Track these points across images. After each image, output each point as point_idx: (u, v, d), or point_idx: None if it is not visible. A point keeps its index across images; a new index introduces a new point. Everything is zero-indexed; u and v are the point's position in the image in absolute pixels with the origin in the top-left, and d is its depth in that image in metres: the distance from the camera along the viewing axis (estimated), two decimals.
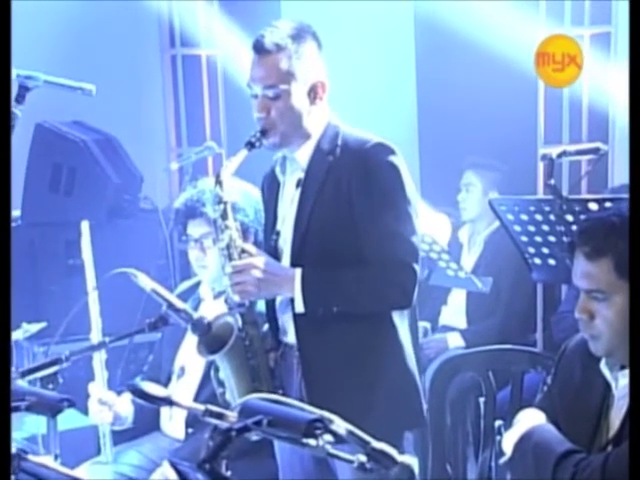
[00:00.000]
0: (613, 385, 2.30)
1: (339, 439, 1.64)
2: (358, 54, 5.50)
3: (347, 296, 2.66)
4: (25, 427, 3.44)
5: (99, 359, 3.10)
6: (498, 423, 2.72)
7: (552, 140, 5.41)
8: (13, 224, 4.64)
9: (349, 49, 5.29)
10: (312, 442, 1.61)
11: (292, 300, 2.68)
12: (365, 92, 5.47)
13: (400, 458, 1.66)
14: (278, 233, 2.80)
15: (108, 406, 3.12)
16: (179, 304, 2.74)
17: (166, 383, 3.27)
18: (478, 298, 4.43)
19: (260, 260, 2.68)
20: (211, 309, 3.13)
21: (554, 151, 3.22)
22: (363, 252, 2.65)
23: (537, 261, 3.42)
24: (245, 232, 2.93)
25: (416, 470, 1.68)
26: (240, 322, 2.72)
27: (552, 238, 3.29)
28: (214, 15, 6.20)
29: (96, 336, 3.07)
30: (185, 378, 3.27)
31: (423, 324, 4.55)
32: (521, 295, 4.42)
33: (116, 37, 5.92)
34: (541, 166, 3.77)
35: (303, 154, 2.75)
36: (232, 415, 1.74)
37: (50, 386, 2.45)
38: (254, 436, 1.65)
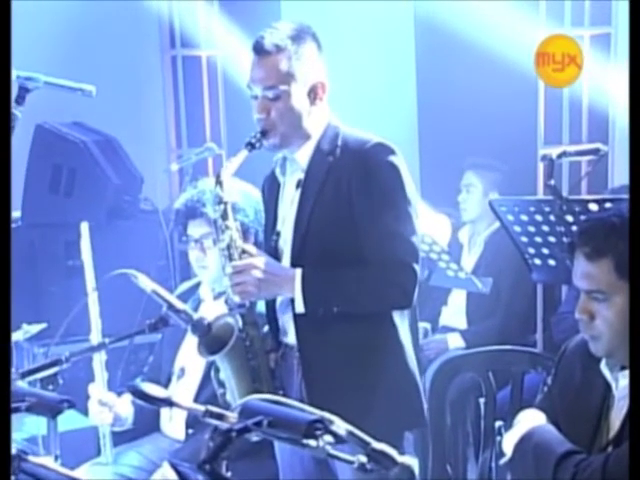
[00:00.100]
0: (613, 386, 2.30)
1: (339, 440, 1.64)
2: (358, 54, 5.50)
3: (347, 296, 2.66)
4: (25, 428, 3.44)
5: (99, 360, 3.10)
6: (498, 424, 2.73)
7: (552, 141, 5.41)
8: (13, 225, 4.64)
9: (349, 49, 5.30)
10: (312, 443, 1.61)
11: (292, 300, 2.68)
12: (365, 92, 5.47)
13: (400, 459, 1.66)
14: (278, 234, 2.80)
15: (108, 407, 3.12)
16: (179, 305, 2.74)
17: (166, 384, 3.27)
18: (478, 299, 4.43)
19: (260, 260, 2.68)
20: (211, 310, 3.13)
21: (554, 152, 3.23)
22: (363, 252, 2.65)
23: (537, 262, 3.42)
24: (245, 232, 2.93)
25: (416, 471, 1.68)
26: (240, 323, 2.72)
27: (552, 239, 3.29)
28: (214, 16, 6.20)
29: (96, 337, 3.07)
30: (185, 379, 3.27)
31: (423, 325, 4.55)
32: (521, 296, 4.41)
33: (116, 38, 5.93)
34: (541, 167, 3.77)
35: (303, 155, 2.75)
36: (232, 416, 1.74)
37: (50, 387, 2.44)
38: (254, 437, 1.65)
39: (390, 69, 5.79)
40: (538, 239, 3.35)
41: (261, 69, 2.68)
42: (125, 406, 3.19)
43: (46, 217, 4.85)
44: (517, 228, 3.39)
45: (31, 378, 2.45)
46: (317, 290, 2.65)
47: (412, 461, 1.67)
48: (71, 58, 5.32)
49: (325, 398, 2.51)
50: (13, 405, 1.92)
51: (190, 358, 3.21)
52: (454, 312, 4.73)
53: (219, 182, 2.70)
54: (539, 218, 3.29)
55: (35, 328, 4.04)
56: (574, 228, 3.10)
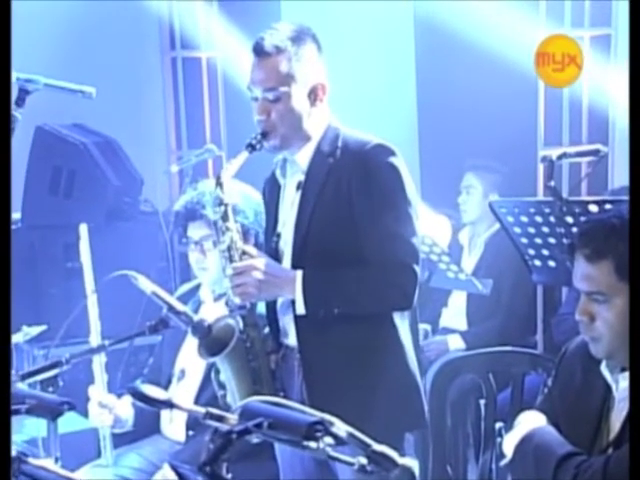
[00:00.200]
0: (614, 387, 2.30)
1: (340, 441, 1.64)
2: (358, 55, 5.50)
3: (348, 297, 2.66)
4: (25, 430, 3.44)
5: (99, 362, 3.10)
6: (499, 425, 2.73)
7: (552, 142, 5.41)
8: (13, 226, 4.64)
9: (349, 50, 5.30)
10: (313, 445, 1.60)
11: (293, 302, 2.68)
12: (365, 93, 5.47)
13: (401, 460, 1.65)
14: (279, 235, 2.80)
15: (108, 409, 3.12)
16: (179, 307, 2.74)
17: (166, 386, 3.27)
18: (478, 300, 4.43)
19: (261, 262, 2.68)
20: (211, 311, 3.13)
21: (554, 153, 3.22)
22: (363, 253, 2.65)
23: (537, 263, 3.42)
24: (245, 234, 2.92)
25: (417, 472, 1.67)
26: (241, 324, 2.72)
27: (552, 240, 3.29)
28: (214, 17, 6.20)
29: (95, 339, 3.06)
30: (185, 381, 3.27)
31: (423, 326, 4.55)
32: (521, 297, 4.41)
33: (116, 39, 5.93)
34: (541, 168, 3.77)
35: (303, 156, 2.75)
36: (233, 418, 1.74)
37: (50, 389, 2.44)
38: (255, 439, 1.65)
39: (390, 70, 5.79)
40: (538, 240, 3.34)
41: (261, 71, 2.68)
42: (125, 408, 3.19)
43: (46, 219, 4.85)
44: (517, 229, 3.39)
45: (31, 380, 2.44)
46: (318, 291, 2.65)
47: (412, 463, 1.67)
48: (71, 60, 5.33)
49: (326, 399, 2.51)
50: (13, 407, 1.92)
51: (190, 360, 3.21)
52: (454, 313, 4.73)
53: (219, 184, 2.70)
54: (539, 219, 3.28)
55: (35, 330, 4.04)
56: (574, 229, 3.10)
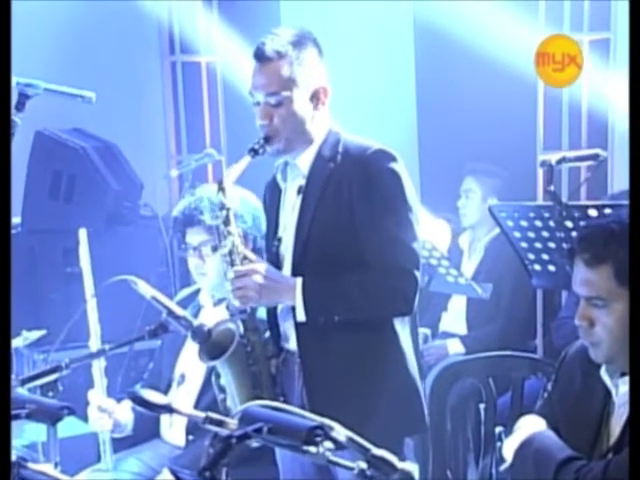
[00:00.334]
0: (613, 392, 2.30)
1: (339, 446, 1.64)
2: (358, 59, 5.51)
3: (348, 304, 2.66)
4: (25, 435, 3.43)
5: (98, 366, 3.09)
6: (498, 429, 2.73)
7: (551, 146, 5.40)
8: (13, 231, 4.64)
9: (348, 54, 5.30)
10: (312, 449, 1.61)
11: (293, 308, 2.68)
12: (365, 97, 5.47)
13: (400, 465, 1.65)
14: (280, 240, 2.80)
15: (108, 413, 3.12)
16: (179, 311, 2.74)
17: (166, 390, 3.27)
18: (478, 304, 4.43)
19: (262, 267, 2.69)
20: (211, 316, 3.13)
21: (553, 157, 3.22)
22: (364, 258, 2.66)
23: (537, 267, 3.41)
24: (243, 239, 2.93)
25: (416, 477, 1.67)
26: (242, 329, 2.72)
27: (552, 244, 3.29)
28: (214, 22, 6.20)
29: (95, 344, 3.06)
30: (185, 385, 3.27)
31: (423, 330, 4.55)
32: (521, 301, 4.42)
33: (116, 44, 5.92)
34: (540, 172, 3.77)
35: (304, 160, 2.76)
36: (232, 422, 1.74)
37: (50, 394, 2.44)
38: (254, 443, 1.65)
39: (389, 73, 5.80)
40: (538, 245, 3.34)
41: (263, 76, 2.68)
42: (125, 412, 3.18)
43: (46, 223, 4.85)
44: (517, 234, 3.39)
45: (31, 385, 2.44)
46: (318, 299, 2.66)
47: (412, 467, 1.67)
48: (71, 64, 5.32)
49: (326, 404, 2.51)
50: (13, 412, 1.92)
51: (190, 364, 3.21)
52: (454, 318, 4.73)
53: (221, 188, 2.70)
54: (539, 224, 3.28)
55: (35, 334, 4.04)
56: (574, 234, 3.10)
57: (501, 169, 4.81)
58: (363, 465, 1.65)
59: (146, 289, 2.77)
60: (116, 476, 3.14)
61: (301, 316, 2.66)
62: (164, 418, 3.28)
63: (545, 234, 3.29)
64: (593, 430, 2.30)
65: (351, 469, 1.65)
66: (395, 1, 5.69)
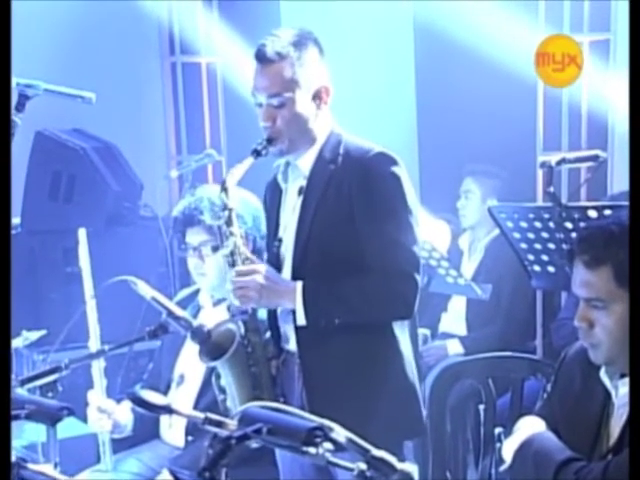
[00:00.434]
0: (613, 393, 2.30)
1: (339, 447, 1.64)
2: (357, 59, 5.50)
3: (349, 308, 2.66)
4: (25, 435, 3.44)
5: (98, 367, 3.09)
6: (498, 430, 2.73)
7: (551, 147, 5.41)
8: (13, 231, 4.64)
9: (348, 55, 5.29)
10: (312, 450, 1.61)
11: (293, 311, 2.68)
12: (364, 98, 5.47)
13: (400, 466, 1.65)
14: (280, 240, 2.81)
15: (107, 414, 3.12)
16: (179, 312, 2.74)
17: (165, 391, 3.27)
18: (478, 305, 4.43)
19: (263, 267, 2.69)
20: (211, 317, 3.13)
21: (553, 158, 3.22)
22: (364, 261, 2.66)
23: (536, 268, 3.41)
24: (244, 239, 2.93)
25: (416, 478, 1.67)
26: (242, 329, 2.72)
27: (551, 245, 3.29)
28: (214, 22, 6.20)
29: (94, 344, 3.06)
30: (185, 386, 3.27)
31: (423, 331, 4.54)
32: (521, 302, 4.41)
33: (116, 44, 5.93)
34: (540, 173, 3.77)
35: (305, 162, 2.76)
36: (232, 423, 1.74)
37: (50, 394, 2.44)
38: (254, 444, 1.65)
39: (389, 73, 5.79)
40: (537, 246, 3.34)
41: (264, 77, 2.68)
42: (124, 413, 3.18)
43: (46, 224, 4.85)
44: (516, 235, 3.39)
45: (31, 385, 2.45)
46: (318, 303, 2.66)
47: (412, 468, 1.67)
48: (71, 65, 5.33)
49: (325, 405, 2.51)
50: (13, 412, 1.92)
51: (189, 365, 3.21)
52: (454, 318, 4.73)
53: (224, 188, 2.71)
54: (538, 225, 3.28)
55: (35, 335, 4.04)
56: (573, 235, 3.10)
57: (501, 170, 4.81)
58: (363, 466, 1.65)
59: (146, 290, 2.77)
60: (116, 477, 3.14)
61: (301, 320, 2.66)
62: (164, 419, 3.28)
63: (545, 235, 3.29)
64: (593, 431, 2.30)
65: (351, 470, 1.65)
66: (395, 1, 5.69)
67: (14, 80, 2.84)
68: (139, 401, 1.88)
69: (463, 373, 3.21)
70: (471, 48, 5.16)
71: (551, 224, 3.23)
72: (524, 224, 3.34)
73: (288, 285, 2.69)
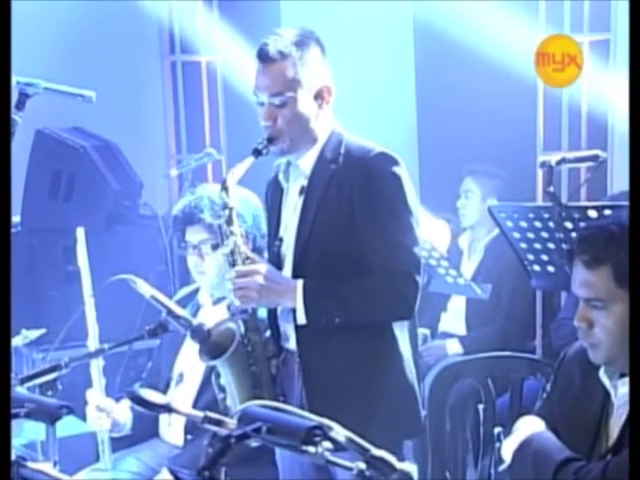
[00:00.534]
0: (612, 393, 2.30)
1: (338, 446, 1.64)
2: (357, 59, 5.50)
3: (348, 308, 2.66)
4: (24, 434, 3.43)
5: (96, 366, 3.09)
6: (497, 430, 2.73)
7: (551, 147, 5.41)
8: (13, 230, 4.64)
9: (348, 54, 5.29)
10: (311, 449, 1.61)
11: (294, 310, 2.68)
12: (364, 97, 5.47)
13: (399, 465, 1.65)
14: (281, 239, 2.81)
15: (106, 413, 3.12)
16: (178, 311, 2.74)
17: (165, 389, 3.26)
18: (478, 305, 4.43)
19: (263, 267, 2.69)
20: (210, 315, 3.13)
21: (553, 158, 3.22)
22: (365, 261, 2.66)
23: (536, 268, 3.41)
24: (244, 238, 2.93)
25: (415, 477, 1.67)
26: (242, 329, 2.72)
27: (551, 245, 3.29)
28: (214, 21, 6.20)
29: (93, 343, 3.06)
30: (184, 384, 3.27)
31: (423, 331, 4.55)
32: (521, 302, 4.41)
33: (116, 43, 5.93)
34: (540, 173, 3.77)
35: (307, 161, 2.76)
36: (231, 422, 1.74)
37: (49, 393, 2.44)
38: (253, 443, 1.65)
39: (389, 73, 5.79)
40: (537, 245, 3.34)
41: (266, 76, 2.68)
42: (123, 412, 3.18)
43: (46, 222, 4.85)
44: (516, 234, 3.39)
45: (30, 384, 2.45)
46: (318, 302, 2.66)
47: (411, 467, 1.67)
48: (71, 63, 5.33)
49: (325, 405, 2.51)
50: (12, 411, 1.92)
51: (189, 363, 3.21)
52: (453, 318, 4.73)
53: (225, 188, 2.71)
54: (538, 224, 3.28)
55: (34, 333, 4.04)
56: (573, 235, 3.10)
57: (501, 169, 4.81)
58: (362, 465, 1.65)
59: (145, 288, 2.77)
60: (115, 475, 3.14)
61: (301, 319, 2.66)
62: (163, 417, 3.28)
63: (544, 235, 3.29)
64: (592, 431, 2.30)
65: (350, 469, 1.65)
66: (395, 1, 5.69)
67: (14, 78, 2.84)
68: (138, 400, 1.88)
69: (462, 373, 3.21)
70: (471, 48, 5.16)
71: (551, 224, 3.23)
72: (524, 224, 3.34)
73: (289, 284, 2.68)
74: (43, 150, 4.89)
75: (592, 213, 3.07)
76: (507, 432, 2.56)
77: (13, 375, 2.42)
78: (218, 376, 2.80)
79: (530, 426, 2.43)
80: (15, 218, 4.74)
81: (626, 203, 2.65)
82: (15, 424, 1.98)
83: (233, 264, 2.70)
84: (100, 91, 3.14)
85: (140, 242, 4.82)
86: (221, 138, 6.40)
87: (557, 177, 4.69)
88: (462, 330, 4.66)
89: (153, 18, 6.25)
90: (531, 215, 3.31)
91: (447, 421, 3.18)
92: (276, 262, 2.78)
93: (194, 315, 3.11)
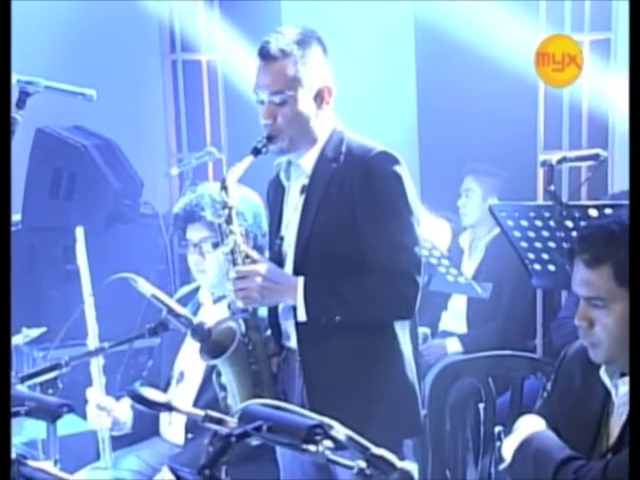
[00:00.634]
0: (613, 392, 2.30)
1: (339, 445, 1.64)
2: (358, 59, 5.50)
3: (349, 306, 2.66)
4: (25, 432, 3.43)
5: (97, 364, 3.10)
6: (498, 429, 2.73)
7: (552, 146, 5.41)
8: (13, 228, 4.64)
9: (349, 54, 5.29)
10: (312, 448, 1.60)
11: (294, 307, 2.68)
12: (365, 97, 5.47)
13: (400, 464, 1.65)
14: (282, 238, 2.81)
15: (106, 411, 3.12)
16: (179, 309, 2.74)
17: (165, 388, 3.27)
18: (478, 304, 4.43)
19: (263, 267, 2.69)
20: (211, 314, 3.13)
21: (554, 157, 3.22)
22: (366, 260, 2.66)
23: (537, 267, 3.42)
24: (244, 237, 2.93)
25: (416, 476, 1.67)
26: (243, 327, 2.72)
27: (552, 244, 3.29)
28: (215, 20, 6.21)
29: (93, 342, 3.06)
30: (184, 383, 3.27)
31: (423, 330, 4.55)
32: (521, 301, 4.41)
33: (117, 42, 5.93)
34: (541, 172, 3.77)
35: (308, 160, 2.76)
36: (232, 421, 1.74)
37: (50, 391, 2.44)
38: (254, 442, 1.65)
39: (390, 73, 5.80)
40: (538, 244, 3.34)
41: (267, 74, 2.68)
42: (124, 410, 3.18)
43: (46, 221, 4.86)
44: (517, 233, 3.39)
45: (31, 382, 2.45)
46: (319, 299, 2.66)
47: (411, 466, 1.67)
48: (72, 62, 5.33)
49: (326, 403, 2.51)
50: (13, 409, 1.92)
51: (189, 362, 3.21)
52: (454, 317, 4.73)
53: (224, 187, 2.70)
54: (539, 223, 3.28)
55: (35, 332, 4.04)
56: (574, 234, 3.10)
57: (501, 169, 4.81)
58: (362, 464, 1.65)
59: (146, 287, 2.78)
60: (115, 474, 3.15)
61: (302, 316, 2.66)
62: (163, 416, 3.28)
63: (545, 234, 3.29)
64: (592, 430, 2.30)
65: (350, 468, 1.65)
66: (396, 1, 5.70)
67: (15, 77, 2.84)
68: (139, 398, 1.88)
69: (463, 372, 3.21)
70: (471, 48, 5.16)
71: (552, 223, 3.23)
72: (525, 223, 3.34)
73: (290, 282, 2.68)
74: (43, 149, 4.90)
75: (593, 212, 3.07)
76: (507, 431, 2.56)
77: (14, 373, 2.42)
78: (219, 375, 2.80)
79: (530, 425, 2.43)
80: (15, 217, 4.74)
81: (627, 202, 2.65)
82: (15, 422, 1.98)
83: (233, 263, 2.70)
84: (101, 90, 3.13)
85: (141, 241, 4.82)
86: (222, 137, 6.40)
87: (558, 176, 4.69)
88: (463, 329, 4.66)
89: (154, 17, 6.25)
90: (532, 214, 3.31)
91: (447, 420, 3.18)
92: (277, 260, 2.78)
93: (194, 314, 3.11)
